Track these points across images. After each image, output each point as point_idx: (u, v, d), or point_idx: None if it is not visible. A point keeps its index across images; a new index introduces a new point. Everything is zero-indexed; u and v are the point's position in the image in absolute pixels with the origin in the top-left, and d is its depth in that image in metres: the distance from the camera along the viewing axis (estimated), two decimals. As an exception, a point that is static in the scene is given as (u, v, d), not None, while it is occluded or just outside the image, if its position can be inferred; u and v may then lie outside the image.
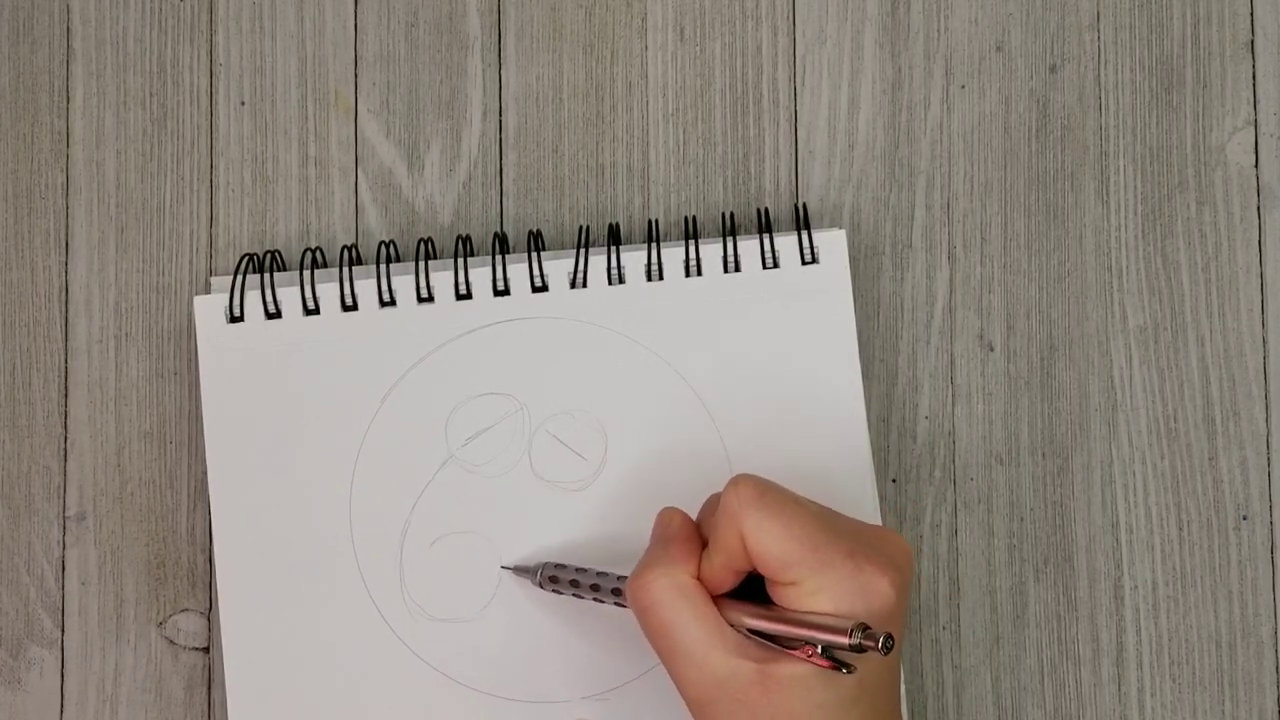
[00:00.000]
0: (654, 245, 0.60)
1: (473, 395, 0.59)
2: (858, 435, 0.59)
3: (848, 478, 0.59)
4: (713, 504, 0.54)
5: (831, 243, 0.60)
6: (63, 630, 0.61)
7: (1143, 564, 0.61)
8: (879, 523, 0.59)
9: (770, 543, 0.49)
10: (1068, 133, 0.62)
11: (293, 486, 0.59)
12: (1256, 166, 0.62)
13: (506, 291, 0.60)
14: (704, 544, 0.52)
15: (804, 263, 0.60)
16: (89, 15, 0.63)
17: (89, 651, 0.61)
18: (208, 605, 0.61)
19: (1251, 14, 0.62)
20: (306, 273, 0.60)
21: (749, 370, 0.59)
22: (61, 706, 0.60)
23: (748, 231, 0.62)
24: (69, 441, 0.61)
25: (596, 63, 0.63)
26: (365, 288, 0.60)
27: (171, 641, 0.61)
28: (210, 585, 0.61)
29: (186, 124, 0.62)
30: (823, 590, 0.48)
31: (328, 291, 0.60)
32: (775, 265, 0.60)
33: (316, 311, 0.60)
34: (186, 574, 0.61)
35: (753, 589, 0.51)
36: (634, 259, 0.60)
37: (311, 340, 0.59)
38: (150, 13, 0.63)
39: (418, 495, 0.59)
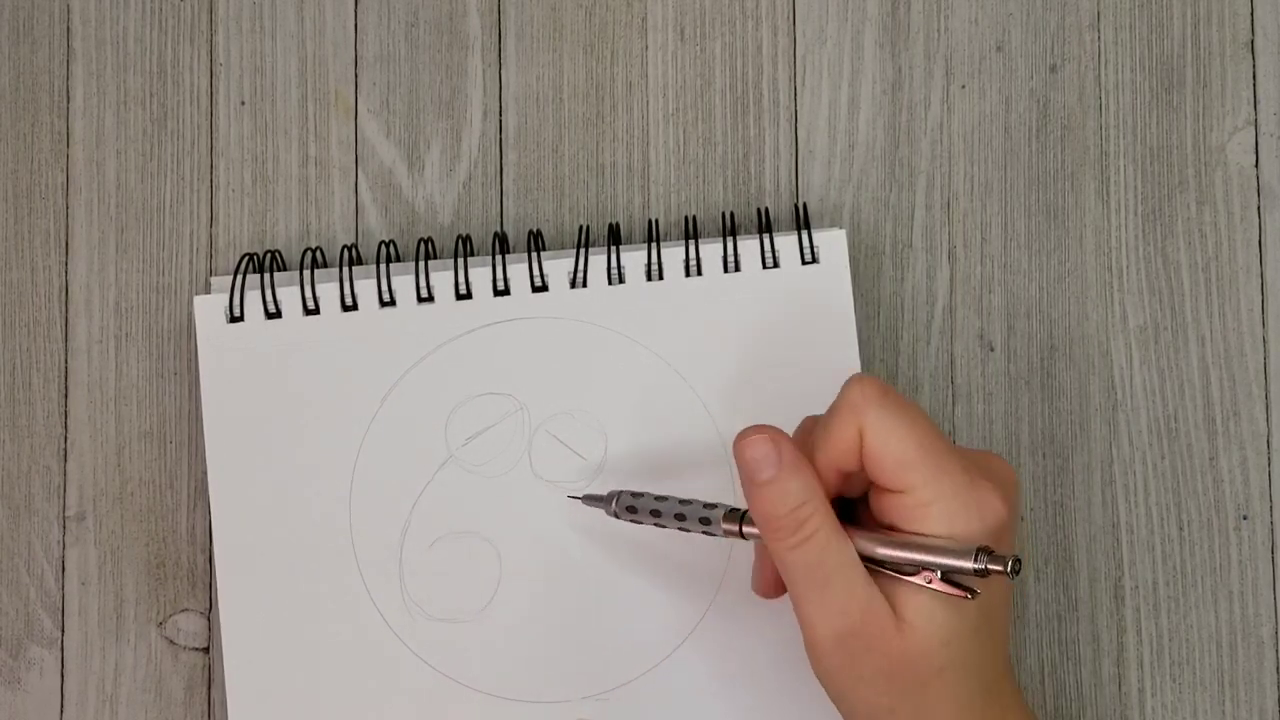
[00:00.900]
0: (654, 245, 0.60)
1: (473, 395, 0.59)
2: (858, 435, 0.59)
3: (848, 478, 0.59)
4: (810, 424, 0.52)
5: (831, 243, 0.60)
6: (63, 630, 0.61)
7: (1143, 564, 0.61)
8: None
9: (892, 440, 0.47)
10: (1068, 133, 0.62)
11: (293, 486, 0.59)
12: (1256, 166, 0.62)
13: (506, 291, 0.60)
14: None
15: (804, 263, 0.60)
16: (89, 15, 0.63)
17: (89, 651, 0.61)
18: (208, 605, 0.61)
19: (1251, 14, 0.62)
20: (306, 273, 0.60)
21: (749, 370, 0.59)
22: (61, 706, 0.60)
23: (748, 231, 0.62)
24: (69, 441, 0.61)
25: (596, 63, 0.63)
26: (365, 288, 0.60)
27: (171, 641, 0.61)
28: (210, 585, 0.61)
29: (186, 124, 0.62)
30: (936, 501, 0.47)
31: (328, 291, 0.60)
32: (775, 265, 0.60)
33: (316, 311, 0.60)
34: (186, 574, 0.61)
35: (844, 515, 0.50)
36: (634, 259, 0.60)
37: (311, 340, 0.59)
38: (150, 13, 0.63)
39: (418, 495, 0.59)
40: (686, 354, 0.59)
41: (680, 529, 0.54)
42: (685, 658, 0.58)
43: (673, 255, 0.60)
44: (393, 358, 0.59)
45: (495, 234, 0.61)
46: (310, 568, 0.59)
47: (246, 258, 0.60)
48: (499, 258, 0.60)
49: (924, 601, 0.48)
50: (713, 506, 0.53)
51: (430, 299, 0.60)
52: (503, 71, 0.63)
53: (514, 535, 0.59)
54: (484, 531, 0.59)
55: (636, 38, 0.63)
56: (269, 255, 0.60)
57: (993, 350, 0.61)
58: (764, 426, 0.50)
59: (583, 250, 0.60)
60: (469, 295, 0.60)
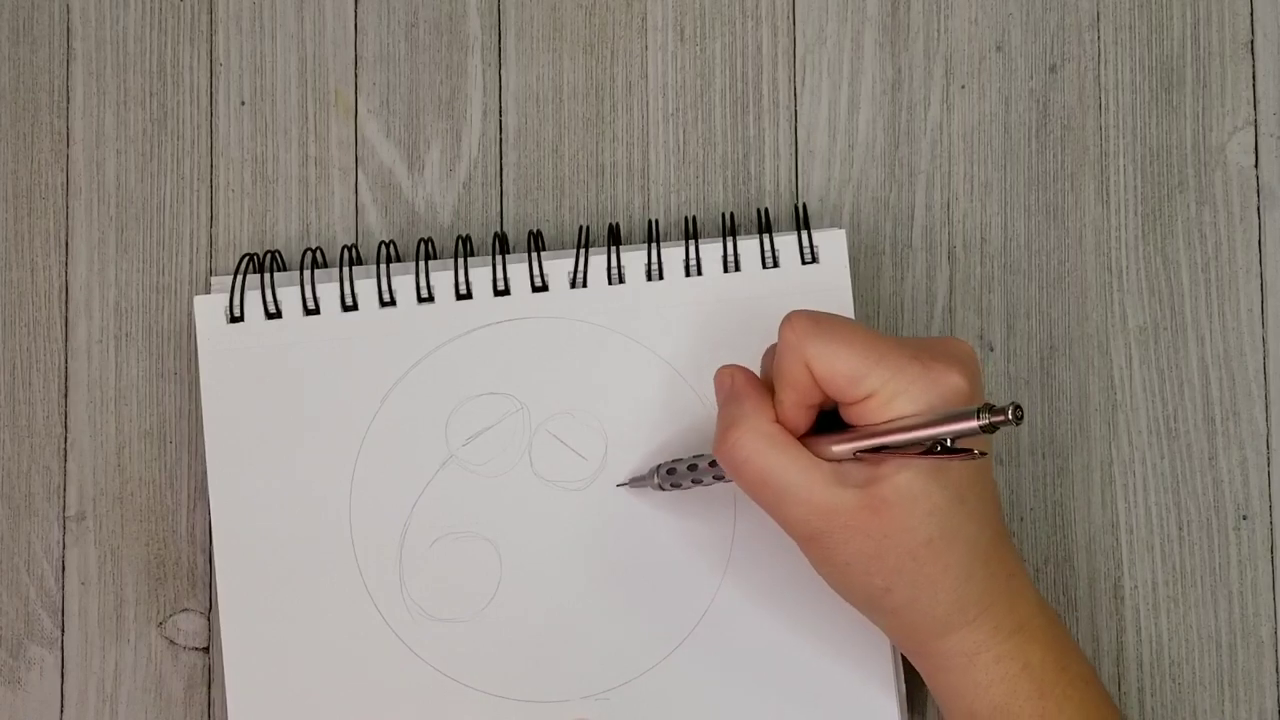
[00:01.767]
0: (654, 245, 0.60)
1: (473, 395, 0.59)
2: (858, 435, 0.59)
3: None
4: (771, 353, 0.54)
5: (831, 243, 0.60)
6: (63, 630, 0.61)
7: (1143, 564, 0.61)
8: None
9: (837, 363, 0.49)
10: (1068, 133, 0.62)
11: (293, 486, 0.59)
12: (1256, 166, 0.62)
13: (506, 291, 0.60)
14: (771, 393, 0.52)
15: (804, 263, 0.60)
16: (89, 15, 0.63)
17: (89, 651, 0.61)
18: (208, 605, 0.61)
19: (1251, 14, 0.62)
20: (306, 273, 0.60)
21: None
22: (61, 706, 0.60)
23: (748, 231, 0.62)
24: (69, 441, 0.61)
25: (596, 63, 0.63)
26: (365, 288, 0.60)
27: (171, 641, 0.61)
28: (210, 585, 0.61)
29: (186, 124, 0.62)
30: (899, 394, 0.49)
31: (328, 291, 0.60)
32: (775, 265, 0.60)
33: (316, 311, 0.60)
34: (186, 574, 0.61)
35: (824, 429, 0.52)
36: (634, 259, 0.60)
37: (312, 340, 0.59)
38: (150, 13, 0.63)
39: (418, 495, 0.59)
40: (686, 354, 0.59)
41: (715, 479, 0.55)
42: (685, 658, 0.58)
43: (673, 255, 0.60)
44: (393, 358, 0.59)
45: (495, 234, 0.61)
46: (310, 568, 0.59)
47: (246, 258, 0.60)
48: (499, 258, 0.60)
49: (902, 480, 0.49)
50: None
51: (430, 299, 0.60)
52: (503, 71, 0.63)
53: (514, 535, 0.59)
54: (484, 531, 0.59)
55: (636, 38, 0.63)
56: (269, 255, 0.60)
57: (993, 350, 0.61)
58: (731, 364, 0.54)
59: (583, 250, 0.60)
60: (469, 295, 0.60)
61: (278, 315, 0.59)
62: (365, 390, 0.59)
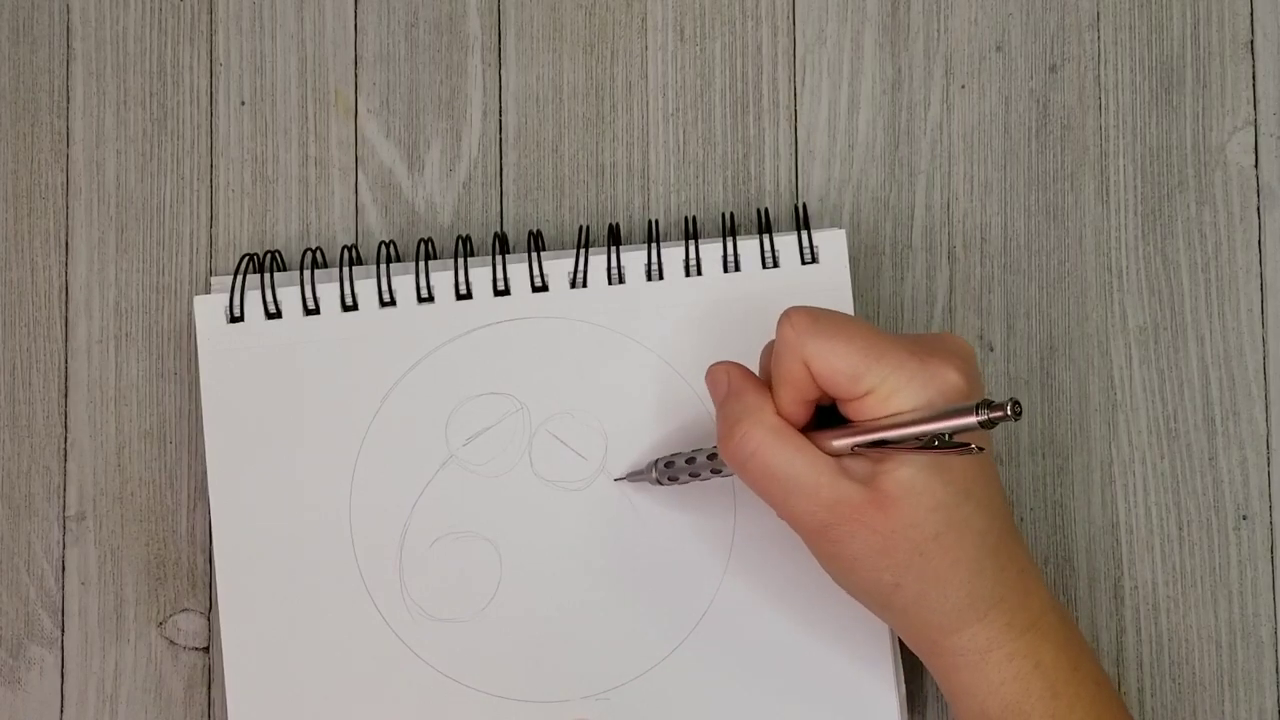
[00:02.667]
0: (654, 245, 0.60)
1: (473, 395, 0.59)
2: (858, 435, 0.59)
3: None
4: (769, 350, 0.54)
5: (831, 243, 0.60)
6: (63, 630, 0.61)
7: (1143, 564, 0.61)
8: None
9: (835, 359, 0.50)
10: (1068, 133, 0.62)
11: (293, 487, 0.59)
12: (1256, 166, 0.62)
13: (506, 291, 0.60)
14: (769, 389, 0.52)
15: (804, 263, 0.60)
16: (89, 15, 0.63)
17: (89, 651, 0.61)
18: (208, 605, 0.61)
19: (1251, 14, 0.62)
20: (306, 273, 0.60)
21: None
22: (61, 706, 0.60)
23: (748, 231, 0.62)
24: (69, 441, 0.61)
25: (596, 63, 0.63)
26: (365, 288, 0.60)
27: (171, 641, 0.61)
28: (210, 585, 0.61)
29: (186, 124, 0.62)
30: (897, 391, 0.49)
31: (328, 291, 0.60)
32: (775, 265, 0.60)
33: (316, 311, 0.60)
34: (186, 574, 0.61)
35: (823, 424, 0.52)
36: (634, 259, 0.60)
37: (312, 340, 0.59)
38: (150, 13, 0.63)
39: (418, 495, 0.59)
40: (686, 354, 0.59)
41: (714, 473, 0.55)
42: (685, 658, 0.58)
43: (673, 255, 0.60)
44: (393, 358, 0.59)
45: (495, 234, 0.61)
46: (310, 568, 0.59)
47: (246, 258, 0.60)
48: (499, 258, 0.60)
49: (904, 474, 0.49)
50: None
51: (430, 299, 0.60)
52: (503, 71, 0.63)
53: (514, 535, 0.59)
54: (484, 531, 0.59)
55: (636, 38, 0.63)
56: (269, 255, 0.60)
57: (993, 350, 0.61)
58: (724, 361, 0.54)
59: (583, 250, 0.60)
60: (469, 295, 0.60)
61: (278, 315, 0.59)
62: (365, 390, 0.59)
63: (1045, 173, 0.62)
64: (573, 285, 0.60)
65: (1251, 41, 0.62)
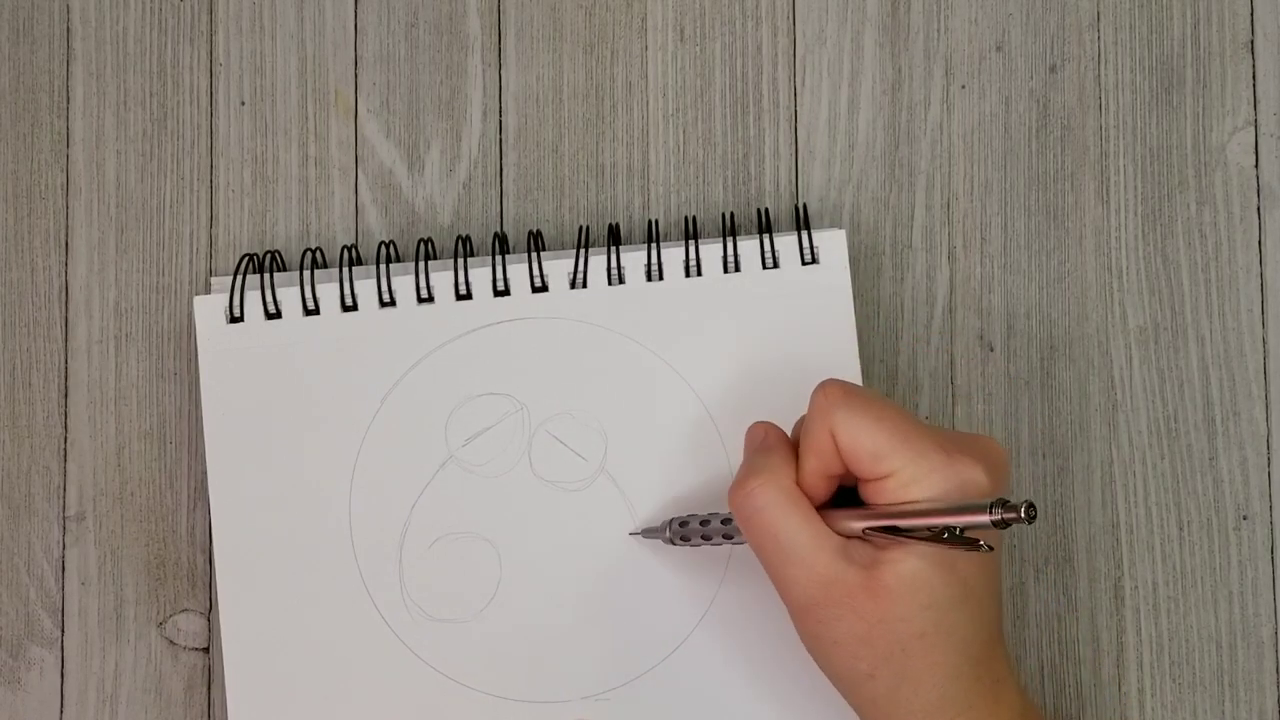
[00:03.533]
0: (654, 245, 0.60)
1: (473, 395, 0.59)
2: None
3: (848, 478, 0.59)
4: (800, 422, 0.54)
5: (831, 243, 0.60)
6: (63, 630, 0.61)
7: (1143, 564, 0.61)
8: None
9: (862, 436, 0.49)
10: (1068, 133, 0.62)
11: (292, 487, 0.59)
12: (1256, 166, 0.62)
13: (506, 291, 0.60)
14: (797, 456, 0.52)
15: (804, 263, 0.60)
16: (89, 15, 0.63)
17: (89, 651, 0.61)
18: (208, 605, 0.61)
19: (1251, 14, 0.62)
20: (306, 273, 0.60)
21: (749, 370, 0.59)
22: (61, 706, 0.60)
23: (748, 232, 0.62)
24: (69, 441, 0.61)
25: (596, 63, 0.63)
26: (365, 288, 0.60)
27: (171, 641, 0.61)
28: (210, 585, 0.61)
29: (186, 124, 0.62)
30: (918, 479, 0.49)
31: (328, 291, 0.60)
32: (775, 265, 0.60)
33: (316, 312, 0.60)
34: (186, 574, 0.61)
35: (839, 504, 0.52)
36: (634, 259, 0.60)
37: (311, 340, 0.59)
38: (150, 13, 0.63)
39: (417, 495, 0.59)
40: (686, 354, 0.59)
41: (725, 536, 0.55)
42: (685, 658, 0.58)
43: (673, 255, 0.60)
44: (393, 358, 0.59)
45: (495, 234, 0.61)
46: (310, 568, 0.59)
47: (246, 258, 0.60)
48: (499, 258, 0.60)
49: (906, 567, 0.49)
50: None
51: (430, 299, 0.60)
52: (503, 71, 0.63)
53: (514, 535, 0.59)
54: (484, 531, 0.59)
55: (636, 38, 0.63)
56: (269, 255, 0.60)
57: (993, 350, 0.61)
58: (767, 421, 0.54)
59: (583, 250, 0.60)
60: (469, 295, 0.60)
61: (278, 315, 0.59)
62: (365, 390, 0.59)
63: (1045, 173, 0.62)
64: (572, 285, 0.60)
65: (1251, 41, 0.62)
